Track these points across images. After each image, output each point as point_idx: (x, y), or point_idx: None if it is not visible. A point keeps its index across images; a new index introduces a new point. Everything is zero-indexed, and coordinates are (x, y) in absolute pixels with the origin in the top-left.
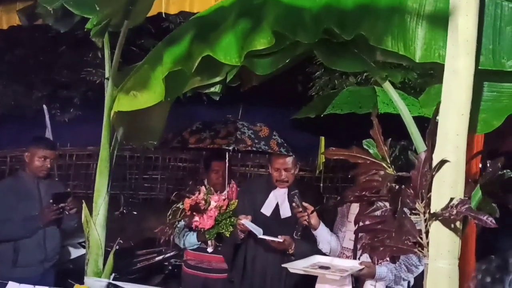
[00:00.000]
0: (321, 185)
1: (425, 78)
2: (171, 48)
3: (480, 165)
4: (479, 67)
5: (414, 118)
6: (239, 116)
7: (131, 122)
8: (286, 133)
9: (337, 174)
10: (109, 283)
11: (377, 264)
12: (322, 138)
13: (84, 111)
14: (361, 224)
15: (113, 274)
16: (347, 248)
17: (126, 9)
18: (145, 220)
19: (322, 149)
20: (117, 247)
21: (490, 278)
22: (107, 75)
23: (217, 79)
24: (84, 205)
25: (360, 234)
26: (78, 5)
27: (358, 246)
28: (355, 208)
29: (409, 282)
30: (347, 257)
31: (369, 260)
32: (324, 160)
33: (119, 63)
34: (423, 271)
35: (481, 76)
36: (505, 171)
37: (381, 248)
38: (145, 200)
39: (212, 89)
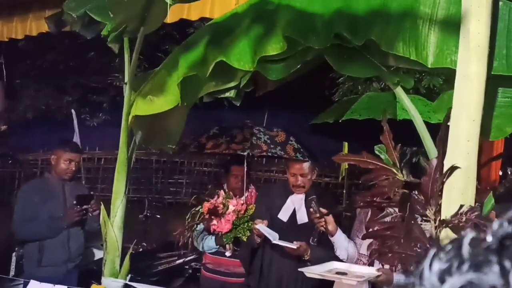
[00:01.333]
0: (344, 191)
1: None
2: (186, 53)
3: (500, 173)
4: (492, 73)
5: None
6: (264, 123)
7: (149, 126)
8: (305, 138)
9: (358, 180)
10: (125, 284)
11: (395, 271)
12: (346, 144)
13: (112, 116)
14: (370, 230)
15: (130, 275)
16: (365, 254)
17: (141, 16)
18: (168, 224)
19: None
20: (140, 249)
21: None
22: (126, 79)
23: (232, 84)
24: (102, 206)
25: (370, 240)
26: (100, 12)
27: (368, 252)
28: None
29: None
30: (364, 263)
31: (387, 267)
32: (347, 166)
33: (145, 68)
34: None
35: (494, 82)
36: None
37: (390, 254)
38: (170, 204)
39: (227, 94)
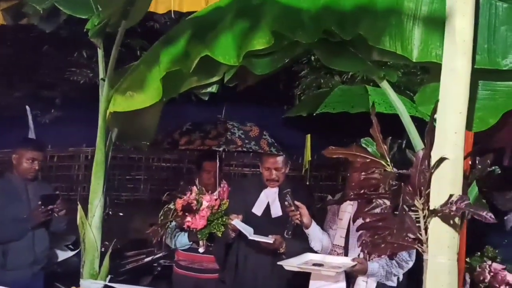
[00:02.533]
0: (307, 183)
1: (408, 76)
2: (168, 48)
3: (470, 162)
4: (475, 66)
5: (390, 116)
6: (222, 116)
7: (125, 123)
8: (276, 132)
9: (321, 173)
10: (105, 285)
11: (369, 260)
12: (308, 137)
13: (65, 112)
14: (361, 221)
15: (109, 276)
16: (338, 245)
17: (124, 9)
18: (132, 222)
19: (308, 147)
20: (103, 249)
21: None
22: (101, 75)
23: (215, 79)
24: (79, 206)
25: (359, 232)
26: (70, 5)
27: (358, 243)
28: (345, 206)
29: (398, 277)
30: (338, 254)
31: (361, 256)
32: (310, 158)
33: (105, 63)
34: (412, 267)
35: (476, 75)
36: (494, 167)
37: (383, 245)
38: (128, 201)
39: (209, 89)
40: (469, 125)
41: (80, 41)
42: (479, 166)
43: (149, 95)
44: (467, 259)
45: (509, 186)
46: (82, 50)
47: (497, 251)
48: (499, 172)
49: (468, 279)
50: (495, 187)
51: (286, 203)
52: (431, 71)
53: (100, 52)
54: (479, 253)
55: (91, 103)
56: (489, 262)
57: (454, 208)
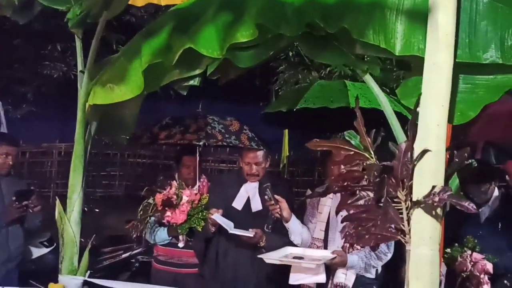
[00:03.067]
0: (286, 178)
1: (385, 73)
2: (149, 40)
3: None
4: (457, 60)
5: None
6: (199, 108)
7: (104, 116)
8: (255, 127)
9: (298, 168)
10: (85, 281)
11: (349, 253)
12: (286, 132)
13: (38, 107)
14: (344, 213)
15: (89, 272)
16: (318, 238)
17: (105, 0)
18: (107, 218)
19: (286, 143)
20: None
21: None
22: (80, 68)
23: (197, 72)
24: (57, 201)
25: (342, 224)
26: None
27: (342, 235)
28: (325, 199)
29: (377, 269)
30: (318, 247)
31: (340, 249)
32: (287, 154)
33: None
34: (391, 259)
35: (457, 69)
36: (471, 161)
37: (367, 236)
38: (103, 197)
39: (191, 82)
40: (450, 118)
41: (54, 34)
42: (456, 160)
43: (130, 88)
44: (448, 250)
45: (483, 179)
46: (56, 43)
47: (476, 241)
48: (476, 165)
49: (444, 270)
50: (470, 180)
51: (266, 197)
52: (412, 65)
53: (78, 44)
54: (456, 244)
55: (65, 98)
56: (469, 252)
57: (436, 199)
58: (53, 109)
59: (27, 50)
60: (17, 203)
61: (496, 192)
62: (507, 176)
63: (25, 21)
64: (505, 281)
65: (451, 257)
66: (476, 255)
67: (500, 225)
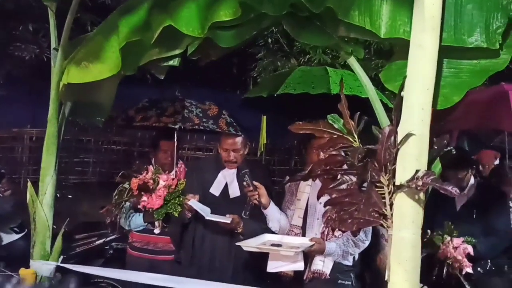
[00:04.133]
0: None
1: (363, 62)
2: (127, 17)
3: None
4: (442, 44)
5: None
6: (176, 93)
7: (79, 97)
8: (235, 113)
9: (275, 156)
10: (57, 266)
11: (327, 240)
12: (264, 118)
13: (8, 91)
14: (325, 198)
15: (62, 257)
16: (296, 225)
17: None
18: (81, 205)
19: (264, 130)
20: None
21: None
22: (53, 45)
23: (177, 51)
24: (29, 184)
25: (324, 209)
26: None
27: (324, 219)
28: (303, 186)
29: (354, 257)
30: (296, 234)
31: (318, 236)
32: (265, 141)
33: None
34: (368, 246)
35: (441, 53)
36: (449, 147)
37: (349, 220)
38: (76, 184)
39: (171, 62)
40: (434, 102)
41: (26, 14)
42: (435, 147)
43: (106, 66)
44: (428, 236)
45: (460, 166)
46: (28, 24)
47: (453, 226)
48: (454, 153)
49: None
50: (447, 166)
51: (244, 183)
52: (395, 49)
53: (52, 20)
54: (430, 230)
55: (37, 82)
56: (449, 238)
57: (420, 183)
58: (24, 93)
59: None
60: None
61: (472, 181)
62: (480, 166)
63: None
64: (482, 263)
65: (432, 244)
66: (457, 240)
67: (475, 212)
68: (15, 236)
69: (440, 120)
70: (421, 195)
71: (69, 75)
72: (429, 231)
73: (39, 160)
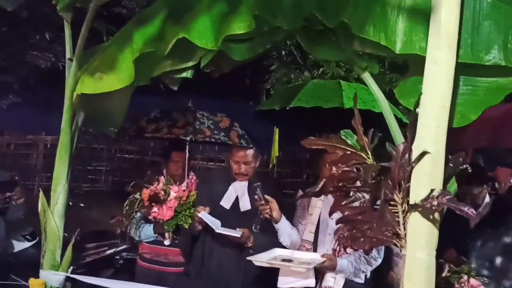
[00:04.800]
0: (276, 178)
1: (377, 76)
2: (141, 28)
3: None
4: (458, 60)
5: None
6: (189, 103)
7: (93, 107)
8: (246, 125)
9: (286, 169)
10: (67, 277)
11: (338, 256)
12: (276, 131)
13: (24, 98)
14: (338, 215)
15: (71, 267)
16: (307, 240)
17: None
18: (93, 213)
19: (276, 142)
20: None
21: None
22: (68, 55)
23: (190, 63)
24: (41, 193)
25: (336, 226)
26: None
27: (335, 237)
28: (315, 201)
29: (366, 274)
30: (307, 249)
31: (330, 252)
32: (277, 154)
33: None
34: (380, 264)
35: (457, 70)
36: (465, 166)
37: (362, 239)
38: (88, 192)
39: (184, 74)
40: (450, 120)
41: (43, 23)
42: (451, 165)
43: (120, 77)
44: (444, 275)
45: (475, 182)
46: (44, 32)
47: (472, 266)
48: (470, 171)
49: None
50: (462, 183)
51: (256, 196)
52: (410, 65)
53: (67, 30)
54: (455, 267)
55: (52, 90)
56: (466, 278)
57: (435, 202)
58: (40, 101)
59: (15, 38)
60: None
61: (487, 198)
62: (496, 184)
63: (12, 8)
64: None
65: (447, 283)
66: (473, 282)
67: (489, 231)
68: (27, 244)
69: (455, 138)
70: (436, 215)
71: (83, 85)
72: (446, 267)
73: (53, 167)
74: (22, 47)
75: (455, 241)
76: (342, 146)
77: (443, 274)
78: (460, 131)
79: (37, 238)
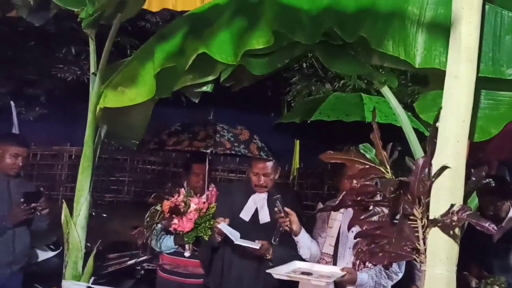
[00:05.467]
0: (295, 190)
1: (399, 88)
2: (163, 44)
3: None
4: (479, 75)
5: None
6: (210, 116)
7: (115, 120)
8: (267, 137)
9: (307, 181)
10: (88, 287)
11: (358, 270)
12: (297, 143)
13: (50, 110)
14: (356, 229)
15: (93, 278)
16: (327, 253)
17: (120, 1)
18: (114, 223)
19: (297, 154)
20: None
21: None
22: (92, 70)
23: (210, 78)
24: (64, 204)
25: (355, 240)
26: None
27: (354, 251)
28: (335, 214)
29: None
30: (327, 262)
31: (350, 266)
32: (298, 166)
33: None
34: (401, 279)
35: (478, 84)
36: (488, 180)
37: (380, 254)
38: (111, 202)
39: (204, 88)
40: (470, 134)
41: (68, 37)
42: (473, 178)
43: (141, 92)
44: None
45: (499, 195)
46: (70, 46)
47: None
48: (493, 184)
49: None
50: (484, 196)
51: (275, 209)
52: (430, 79)
53: (92, 45)
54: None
55: (77, 102)
56: None
57: (455, 218)
58: (65, 112)
59: (42, 52)
60: (25, 204)
61: (511, 213)
62: None
63: (40, 23)
64: None
65: None
66: None
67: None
68: (50, 254)
69: (481, 150)
70: (457, 230)
71: (106, 99)
72: (473, 280)
73: (77, 178)
74: (48, 61)
75: (478, 255)
76: (361, 160)
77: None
78: (485, 143)
79: (61, 247)
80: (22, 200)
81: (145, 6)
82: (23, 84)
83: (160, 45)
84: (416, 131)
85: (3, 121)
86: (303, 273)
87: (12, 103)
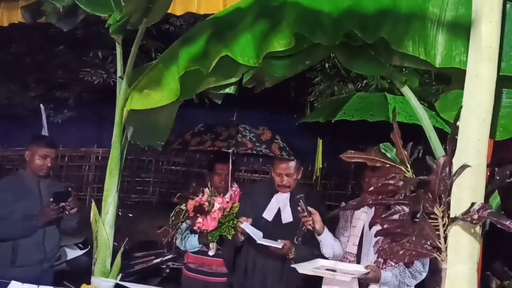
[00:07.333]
0: (318, 190)
1: (423, 87)
2: (187, 47)
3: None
4: (500, 74)
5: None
6: (234, 117)
7: (141, 122)
8: (290, 137)
9: (331, 181)
10: (116, 284)
11: (382, 268)
12: (320, 142)
13: (78, 113)
14: (377, 227)
15: (120, 275)
16: (350, 253)
17: (146, 7)
18: (140, 223)
19: (320, 154)
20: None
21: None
22: (119, 73)
23: (233, 80)
24: (93, 203)
25: (376, 238)
26: (90, 3)
27: (375, 250)
28: (359, 213)
29: None
30: (350, 261)
31: (374, 264)
32: (321, 165)
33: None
34: (425, 277)
35: (500, 83)
36: None
37: (401, 252)
38: (137, 203)
39: (227, 90)
40: (492, 133)
41: (95, 41)
42: (497, 177)
43: (166, 94)
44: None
45: None
46: (97, 50)
47: None
48: None
49: None
50: (508, 194)
51: (299, 208)
52: (452, 78)
53: (118, 50)
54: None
55: (104, 105)
56: None
57: (476, 216)
58: (92, 115)
59: (70, 56)
60: (54, 204)
61: None
62: None
63: (68, 28)
64: None
65: None
66: None
67: None
68: (79, 252)
69: (502, 150)
70: (478, 228)
71: (132, 102)
72: (494, 280)
73: (104, 179)
74: (76, 65)
75: (502, 253)
76: (381, 159)
77: (493, 286)
78: (509, 142)
79: (89, 246)
80: (51, 199)
81: (169, 10)
82: (52, 88)
83: (184, 49)
84: (442, 131)
85: (34, 124)
86: (327, 270)
87: (41, 106)
